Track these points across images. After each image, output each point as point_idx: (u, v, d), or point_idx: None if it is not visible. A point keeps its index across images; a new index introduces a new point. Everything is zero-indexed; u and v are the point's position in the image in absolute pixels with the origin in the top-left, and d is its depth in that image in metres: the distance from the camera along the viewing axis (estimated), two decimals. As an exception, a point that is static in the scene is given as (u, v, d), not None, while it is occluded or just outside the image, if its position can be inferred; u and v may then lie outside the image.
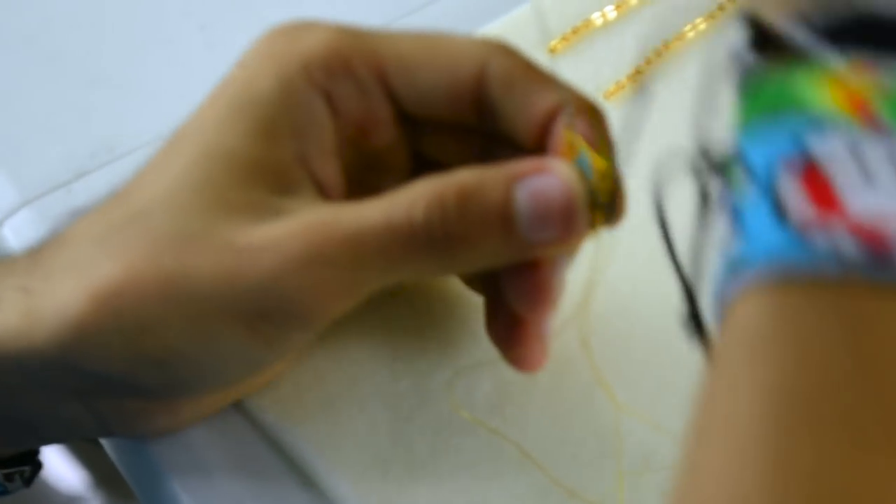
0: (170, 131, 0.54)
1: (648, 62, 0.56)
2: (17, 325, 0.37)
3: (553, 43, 0.57)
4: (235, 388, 0.42)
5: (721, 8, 0.58)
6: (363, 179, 0.42)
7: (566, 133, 0.38)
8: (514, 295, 0.40)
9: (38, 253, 0.39)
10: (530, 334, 0.41)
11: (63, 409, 0.39)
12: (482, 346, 0.44)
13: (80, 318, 0.36)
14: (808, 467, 0.24)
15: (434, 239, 0.36)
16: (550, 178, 0.37)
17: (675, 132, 0.53)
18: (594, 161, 0.37)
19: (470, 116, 0.41)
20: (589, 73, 0.56)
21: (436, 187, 0.37)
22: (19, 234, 0.52)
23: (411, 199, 0.37)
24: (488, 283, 0.42)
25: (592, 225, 0.37)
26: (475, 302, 0.45)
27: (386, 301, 0.46)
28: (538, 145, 0.40)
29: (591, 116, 0.39)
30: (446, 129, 0.42)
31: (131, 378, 0.38)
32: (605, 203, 0.37)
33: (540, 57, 0.55)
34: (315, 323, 0.38)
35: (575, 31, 0.57)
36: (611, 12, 0.58)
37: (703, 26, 0.58)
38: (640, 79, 0.55)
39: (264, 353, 0.38)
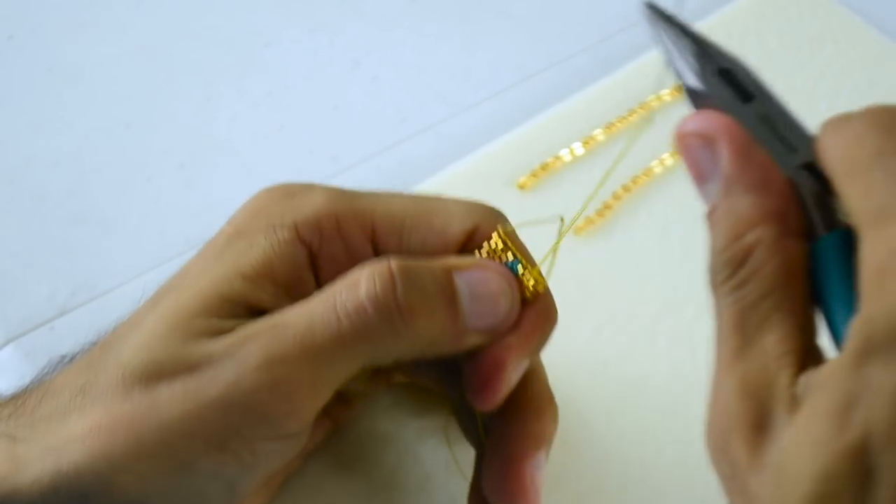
0: (150, 268, 0.55)
1: (616, 197, 0.58)
2: (1, 471, 0.37)
3: (522, 179, 0.58)
4: None
5: (686, 143, 0.60)
6: None
7: (496, 238, 0.40)
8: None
9: (23, 400, 0.39)
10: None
11: None
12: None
13: (60, 464, 0.36)
14: None
15: (386, 311, 0.36)
16: (489, 272, 0.39)
17: (643, 265, 0.55)
18: (523, 263, 0.40)
19: None
20: (557, 208, 0.57)
21: (378, 263, 0.37)
22: (3, 371, 0.52)
23: (355, 279, 0.37)
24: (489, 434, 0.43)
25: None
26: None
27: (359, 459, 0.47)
28: None
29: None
30: None
31: None
32: (532, 299, 0.40)
33: (509, 193, 0.57)
34: (284, 428, 0.37)
35: (543, 168, 0.59)
36: (578, 149, 0.60)
37: (669, 161, 0.59)
38: (609, 213, 0.57)
39: (239, 473, 0.38)
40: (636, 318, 0.53)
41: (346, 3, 0.71)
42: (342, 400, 0.47)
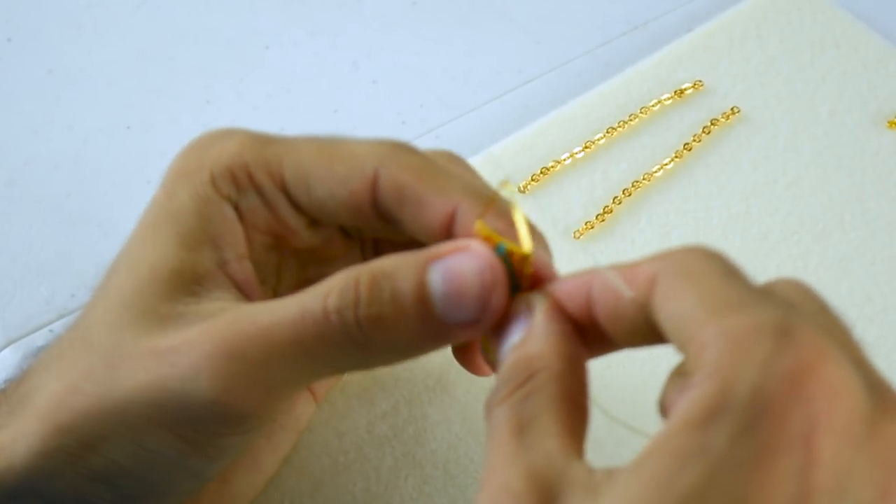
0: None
1: (617, 201, 0.57)
2: None
3: (522, 183, 0.58)
4: None
5: (687, 147, 0.60)
6: (312, 272, 0.42)
7: (479, 227, 0.37)
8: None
9: (6, 390, 0.40)
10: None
11: None
12: None
13: (32, 443, 0.37)
14: None
15: (347, 324, 0.35)
16: (465, 256, 0.36)
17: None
18: (513, 248, 0.36)
19: (373, 222, 0.41)
20: (558, 212, 0.57)
21: (350, 274, 0.36)
22: (3, 373, 0.52)
23: (327, 288, 0.36)
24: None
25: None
26: None
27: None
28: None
29: (498, 208, 0.38)
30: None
31: (87, 500, 0.38)
32: (527, 287, 0.37)
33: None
34: (239, 424, 0.37)
35: (544, 171, 0.58)
36: (579, 152, 0.59)
37: (670, 165, 0.59)
38: (609, 217, 0.57)
39: (199, 461, 0.38)
40: (636, 323, 0.52)
41: (346, 5, 0.71)
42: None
